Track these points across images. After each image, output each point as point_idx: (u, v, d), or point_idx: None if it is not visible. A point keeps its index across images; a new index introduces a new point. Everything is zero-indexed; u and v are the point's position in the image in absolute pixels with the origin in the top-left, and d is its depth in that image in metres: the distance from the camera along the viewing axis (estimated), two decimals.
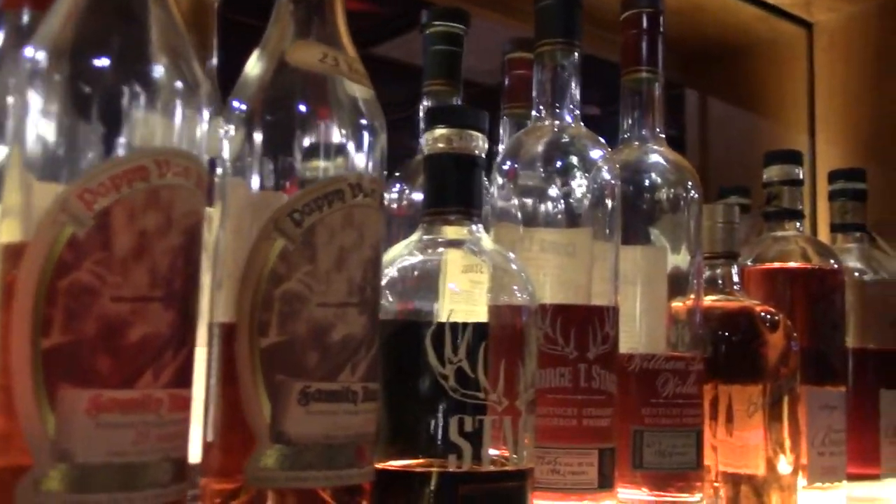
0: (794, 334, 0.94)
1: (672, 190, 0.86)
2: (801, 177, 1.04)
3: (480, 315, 0.67)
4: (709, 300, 0.93)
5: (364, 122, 0.58)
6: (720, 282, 0.94)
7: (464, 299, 0.69)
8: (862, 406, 1.06)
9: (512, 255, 0.71)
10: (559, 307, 0.74)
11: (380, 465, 0.63)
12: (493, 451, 0.64)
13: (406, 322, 0.65)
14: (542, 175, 0.79)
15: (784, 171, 1.04)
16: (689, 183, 0.86)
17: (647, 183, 0.86)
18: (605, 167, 0.79)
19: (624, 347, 0.81)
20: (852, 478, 1.04)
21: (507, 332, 0.67)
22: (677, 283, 0.86)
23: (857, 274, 1.11)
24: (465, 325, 0.63)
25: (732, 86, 1.35)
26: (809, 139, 1.25)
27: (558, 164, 0.79)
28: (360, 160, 0.59)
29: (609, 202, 0.79)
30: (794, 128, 1.26)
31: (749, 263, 1.03)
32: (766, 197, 1.05)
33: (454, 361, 0.63)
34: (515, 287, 0.68)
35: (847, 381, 1.02)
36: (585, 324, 0.74)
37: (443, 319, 0.64)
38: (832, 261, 1.02)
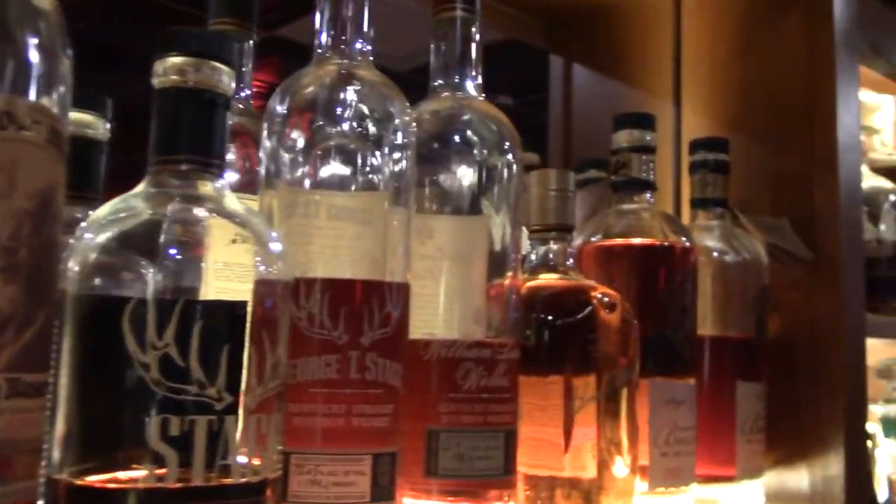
0: (635, 320, 0.82)
1: (488, 150, 0.73)
2: (654, 143, 0.93)
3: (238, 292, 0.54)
4: (538, 279, 0.81)
5: (32, 37, 0.44)
6: (551, 258, 0.82)
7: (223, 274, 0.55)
8: (718, 400, 0.95)
9: (257, 217, 0.57)
10: (327, 282, 0.61)
11: (65, 478, 0.49)
12: (241, 459, 0.51)
13: (102, 298, 0.51)
14: (328, 126, 0.65)
15: (634, 137, 0.92)
16: (508, 143, 0.74)
17: (458, 140, 0.74)
18: (405, 120, 0.67)
19: (425, 332, 0.68)
20: (707, 480, 0.94)
21: (242, 311, 0.53)
22: (498, 260, 0.73)
23: (716, 254, 1.00)
24: (174, 301, 0.50)
25: (597, 51, 1.24)
26: (675, 108, 1.15)
27: (348, 112, 0.66)
28: (17, 81, 0.44)
29: (408, 162, 0.66)
30: (660, 96, 1.15)
31: (593, 240, 0.92)
32: (613, 165, 0.94)
33: (158, 347, 0.49)
34: (259, 258, 0.55)
35: (697, 372, 0.91)
36: (360, 303, 0.61)
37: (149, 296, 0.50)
38: (684, 238, 0.91)
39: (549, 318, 0.77)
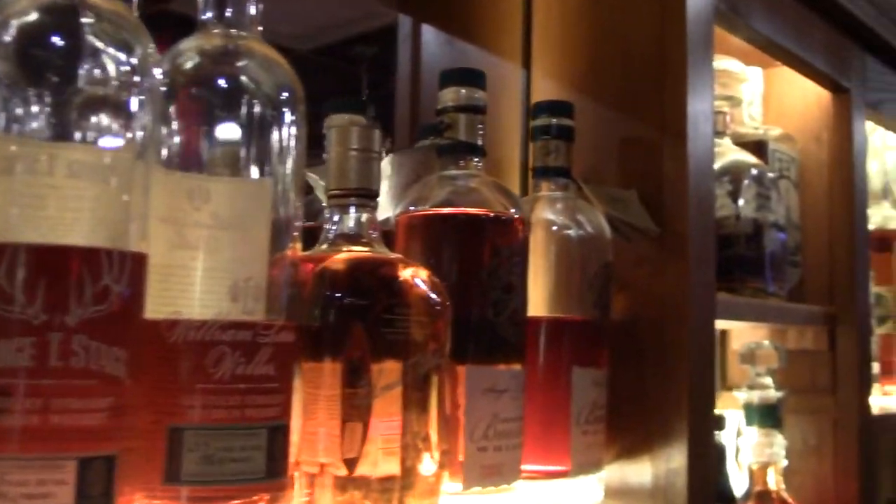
0: (448, 300, 0.73)
1: (265, 100, 0.62)
2: (483, 103, 0.83)
3: None
4: (332, 252, 0.70)
5: None
6: (352, 228, 0.72)
7: None
8: (550, 388, 0.87)
9: None
10: (21, 248, 0.49)
11: None
12: None
13: None
14: (50, 59, 0.53)
15: (461, 96, 0.83)
16: (287, 93, 0.63)
17: (227, 86, 0.63)
18: (149, 56, 0.55)
19: (173, 312, 0.57)
20: (536, 476, 0.85)
21: None
22: (279, 229, 0.63)
23: (555, 228, 0.91)
24: None
25: (447, 9, 1.14)
26: (524, 72, 1.05)
27: (70, 41, 0.54)
28: None
29: (153, 112, 0.55)
30: (509, 58, 1.06)
31: (411, 209, 0.82)
32: (438, 127, 0.84)
33: None
34: None
35: (529, 358, 0.82)
36: (66, 274, 0.50)
37: None
38: (513, 209, 0.82)
39: (338, 295, 0.67)
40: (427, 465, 0.71)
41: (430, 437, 0.72)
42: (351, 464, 0.67)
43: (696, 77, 0.94)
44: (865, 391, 1.32)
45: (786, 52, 1.21)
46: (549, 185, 0.94)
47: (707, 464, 0.93)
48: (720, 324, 1.17)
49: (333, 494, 0.67)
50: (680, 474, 0.89)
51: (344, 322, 0.66)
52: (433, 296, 0.71)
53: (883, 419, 1.48)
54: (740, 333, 1.33)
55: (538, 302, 0.88)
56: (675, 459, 0.90)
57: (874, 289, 1.53)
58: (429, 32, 1.16)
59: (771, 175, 1.19)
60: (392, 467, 0.69)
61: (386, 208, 0.86)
